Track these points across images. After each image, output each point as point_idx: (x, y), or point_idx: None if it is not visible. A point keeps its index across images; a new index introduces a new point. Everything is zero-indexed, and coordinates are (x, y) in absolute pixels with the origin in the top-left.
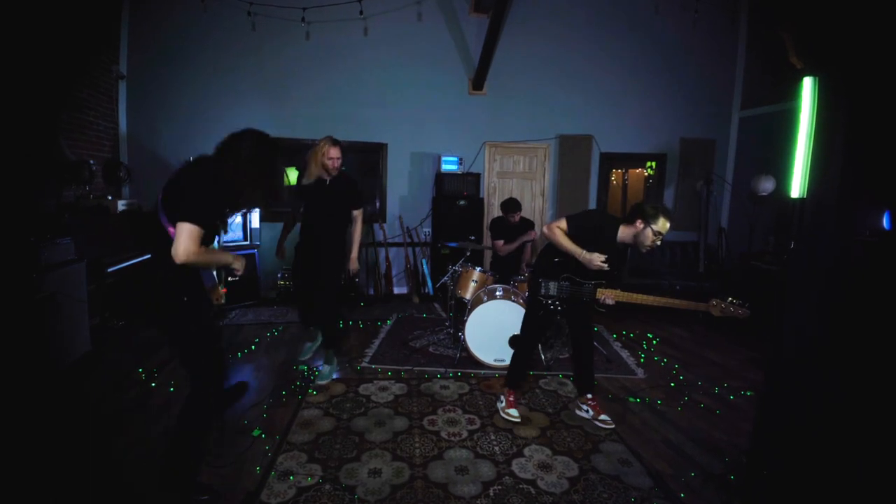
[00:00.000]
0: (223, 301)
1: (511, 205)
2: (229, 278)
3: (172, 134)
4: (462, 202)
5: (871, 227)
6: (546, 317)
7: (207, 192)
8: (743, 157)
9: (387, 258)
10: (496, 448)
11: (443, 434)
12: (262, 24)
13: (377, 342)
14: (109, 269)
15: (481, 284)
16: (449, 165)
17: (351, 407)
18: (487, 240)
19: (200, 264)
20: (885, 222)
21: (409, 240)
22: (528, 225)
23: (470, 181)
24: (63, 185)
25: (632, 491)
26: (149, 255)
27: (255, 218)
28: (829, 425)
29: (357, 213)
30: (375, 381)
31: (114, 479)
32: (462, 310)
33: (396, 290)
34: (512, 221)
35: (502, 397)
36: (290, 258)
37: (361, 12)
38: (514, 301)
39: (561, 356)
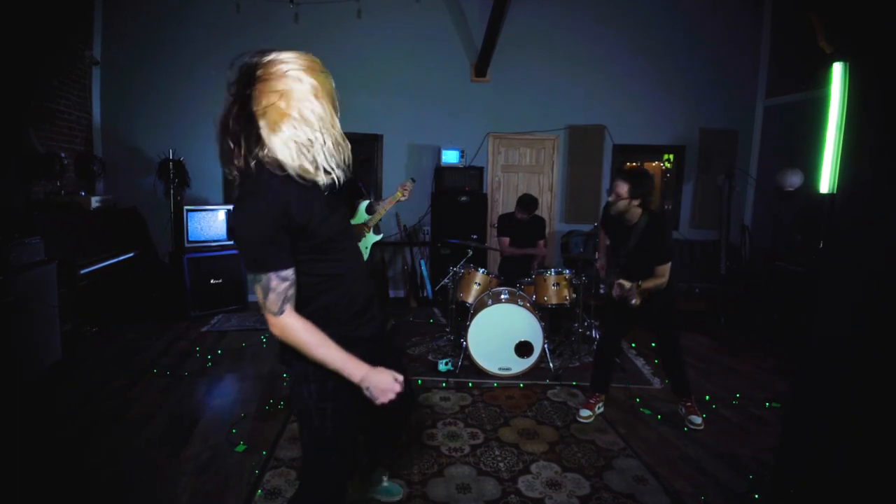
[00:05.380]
0: None
1: (527, 202)
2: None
3: (150, 125)
4: (464, 198)
5: None
6: None
7: None
8: (768, 149)
9: (382, 259)
10: (501, 464)
11: (443, 449)
12: (248, 6)
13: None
14: (82, 271)
15: (485, 287)
16: (450, 158)
17: None
18: (491, 239)
19: None
20: None
21: (406, 239)
22: (538, 226)
23: (472, 175)
24: (32, 179)
25: None
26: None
27: None
28: (864, 441)
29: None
30: None
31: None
32: (464, 314)
33: (392, 294)
34: (521, 218)
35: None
36: None
37: None
38: (520, 305)
39: (571, 365)
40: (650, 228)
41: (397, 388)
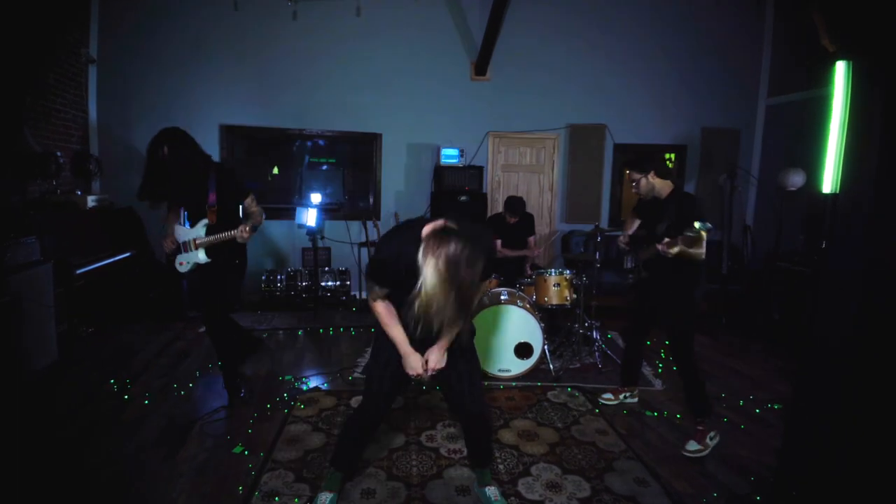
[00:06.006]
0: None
1: (515, 205)
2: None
3: (147, 123)
4: (463, 198)
5: None
6: None
7: None
8: (770, 148)
9: None
10: (501, 466)
11: (442, 451)
12: (246, 4)
13: (371, 350)
14: (78, 271)
15: (484, 287)
16: (449, 158)
17: (342, 421)
18: None
19: None
20: None
21: None
22: (528, 223)
23: (472, 175)
24: (28, 178)
25: None
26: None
27: None
28: (865, 441)
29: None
30: None
31: (80, 501)
32: None
33: None
34: (510, 222)
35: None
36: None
37: None
38: (519, 306)
39: (571, 366)
40: (685, 208)
41: (419, 370)
